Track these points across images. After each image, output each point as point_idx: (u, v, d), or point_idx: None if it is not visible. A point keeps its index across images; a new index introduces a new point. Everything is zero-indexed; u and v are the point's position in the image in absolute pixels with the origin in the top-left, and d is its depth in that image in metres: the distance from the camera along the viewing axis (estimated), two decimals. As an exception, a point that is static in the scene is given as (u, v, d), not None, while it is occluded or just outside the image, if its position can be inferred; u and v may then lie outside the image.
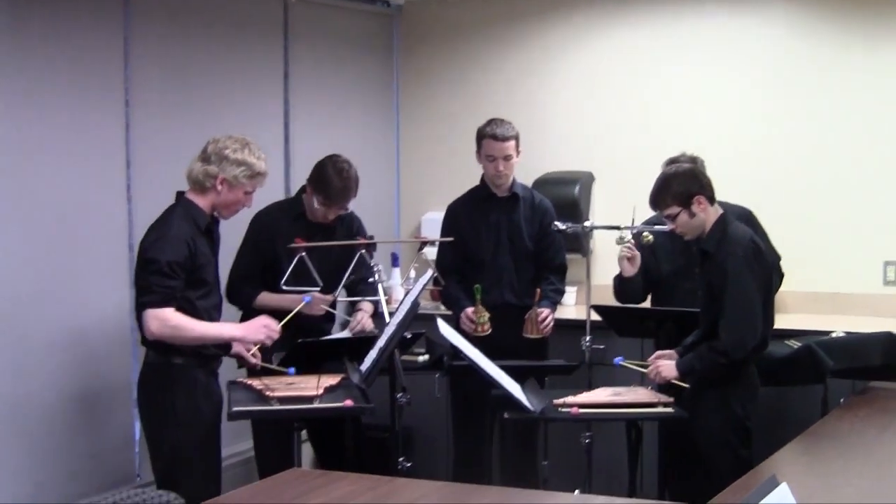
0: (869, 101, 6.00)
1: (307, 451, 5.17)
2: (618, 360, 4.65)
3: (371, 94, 6.92)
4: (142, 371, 4.31)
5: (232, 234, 4.79)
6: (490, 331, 5.22)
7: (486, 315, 5.23)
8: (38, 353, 4.83)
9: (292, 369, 4.40)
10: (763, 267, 4.34)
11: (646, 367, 4.55)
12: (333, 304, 4.96)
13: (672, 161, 5.01)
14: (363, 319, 5.02)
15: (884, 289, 5.95)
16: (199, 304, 4.25)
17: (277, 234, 4.91)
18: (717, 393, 4.30)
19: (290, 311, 4.68)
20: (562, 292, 5.52)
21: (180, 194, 4.33)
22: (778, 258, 5.25)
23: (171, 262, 4.11)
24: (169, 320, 4.11)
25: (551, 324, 5.31)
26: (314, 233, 4.94)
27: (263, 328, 4.35)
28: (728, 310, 4.23)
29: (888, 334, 4.90)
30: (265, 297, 4.93)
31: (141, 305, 4.14)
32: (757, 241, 4.37)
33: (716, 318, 4.28)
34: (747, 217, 5.08)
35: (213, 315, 4.33)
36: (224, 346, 4.38)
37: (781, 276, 5.32)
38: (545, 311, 5.29)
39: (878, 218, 5.98)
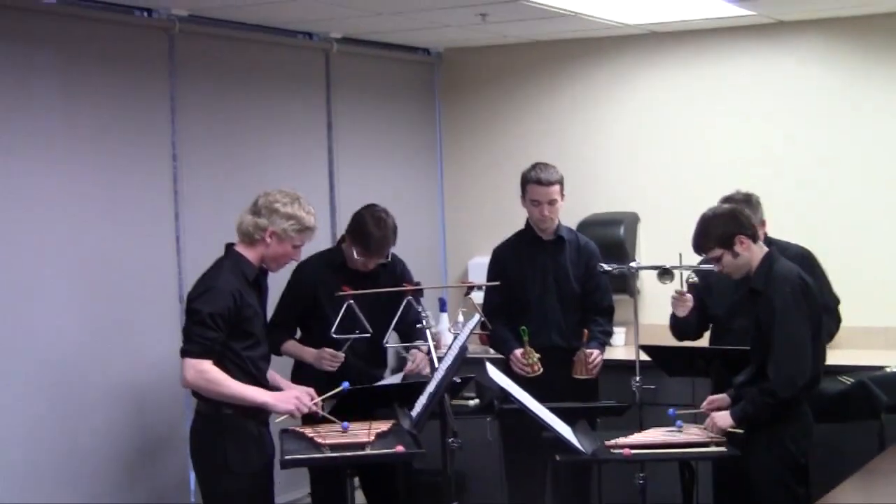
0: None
1: (360, 497, 5.18)
2: (671, 411, 4.59)
3: (414, 141, 6.98)
4: (194, 420, 4.36)
5: (276, 282, 4.82)
6: (542, 370, 5.21)
7: (536, 355, 5.23)
8: (92, 405, 4.90)
9: (347, 424, 4.36)
10: (811, 304, 4.29)
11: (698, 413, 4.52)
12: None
13: (726, 200, 4.98)
14: (419, 360, 5.04)
15: (937, 322, 5.89)
16: (245, 354, 4.29)
17: (319, 283, 4.95)
18: (770, 431, 4.25)
19: (304, 359, 4.86)
20: (610, 333, 5.52)
21: (230, 246, 4.38)
22: (837, 302, 5.16)
23: (214, 313, 4.16)
24: (206, 373, 4.17)
25: (600, 364, 5.30)
26: (357, 280, 4.95)
27: (294, 399, 4.33)
28: (776, 348, 4.19)
29: (943, 368, 4.85)
30: (289, 346, 4.99)
31: (182, 353, 4.22)
32: (805, 278, 4.33)
33: (766, 357, 4.24)
34: (805, 257, 5.03)
35: (259, 366, 4.36)
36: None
37: (839, 320, 5.19)
38: (594, 352, 5.29)
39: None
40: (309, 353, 4.95)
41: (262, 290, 4.44)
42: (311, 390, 4.43)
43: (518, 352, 5.26)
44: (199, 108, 5.48)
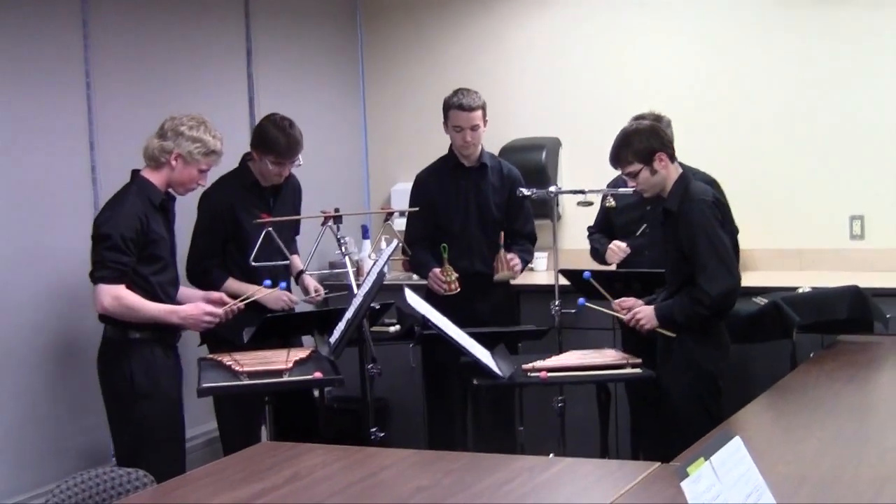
0: (831, 59, 6.02)
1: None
2: (581, 300, 4.62)
3: (336, 67, 6.91)
4: (101, 347, 4.39)
5: (181, 213, 4.79)
6: (459, 289, 5.23)
7: (454, 274, 5.24)
8: (8, 341, 4.83)
9: (269, 281, 4.49)
10: (728, 221, 4.33)
11: (612, 308, 4.54)
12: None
13: (638, 118, 5.02)
14: (313, 283, 5.13)
15: (850, 243, 5.99)
16: (153, 279, 4.34)
17: (236, 203, 4.92)
18: (687, 351, 4.30)
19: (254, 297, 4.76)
20: (531, 253, 5.55)
21: (135, 172, 4.40)
22: (736, 231, 5.23)
23: (124, 236, 4.20)
24: (122, 298, 4.22)
25: (520, 264, 5.33)
26: (267, 198, 5.00)
27: (206, 316, 4.40)
28: (705, 261, 4.19)
29: (854, 288, 4.93)
30: (232, 284, 4.93)
31: (95, 280, 4.23)
32: (719, 198, 4.37)
33: (685, 278, 4.27)
34: (710, 184, 5.07)
35: (168, 291, 4.41)
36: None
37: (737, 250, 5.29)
38: (511, 254, 5.31)
39: (843, 173, 6.01)
40: (261, 293, 4.78)
41: (168, 215, 4.46)
42: (220, 296, 4.53)
43: (437, 270, 5.27)
44: (113, 35, 5.36)
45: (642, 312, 4.40)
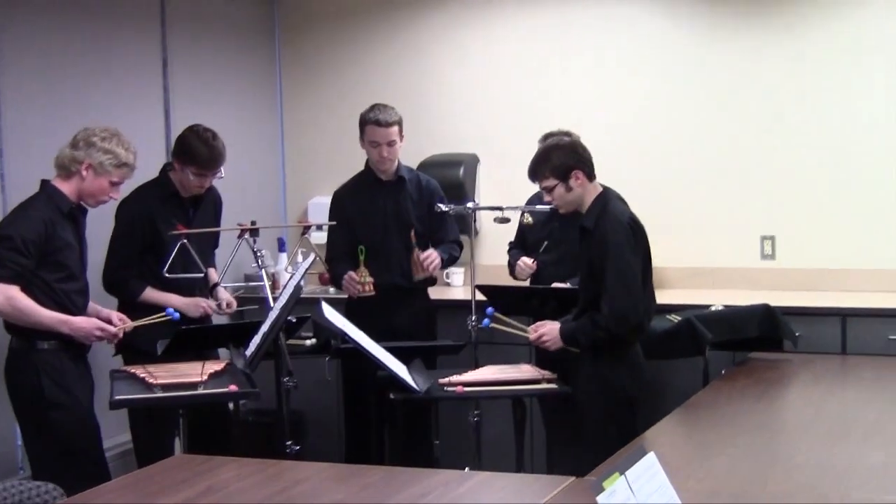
0: (742, 80, 6.13)
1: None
2: (489, 309, 4.63)
3: (253, 79, 6.87)
4: (7, 358, 4.32)
5: (96, 222, 4.74)
6: (374, 291, 5.21)
7: (369, 277, 5.21)
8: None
9: (171, 310, 4.50)
10: (642, 245, 4.36)
11: (519, 327, 4.56)
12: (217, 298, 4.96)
13: (547, 136, 5.06)
14: (226, 297, 5.09)
15: (761, 262, 6.10)
16: (58, 286, 4.30)
17: (154, 215, 4.86)
18: (599, 369, 4.32)
19: (172, 307, 4.74)
20: (456, 251, 5.54)
21: (45, 182, 4.37)
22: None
23: (25, 238, 4.18)
24: (14, 299, 4.19)
25: (437, 262, 5.33)
26: (186, 209, 4.97)
27: (97, 331, 4.36)
28: (609, 284, 4.23)
29: (765, 306, 5.04)
30: (150, 294, 4.88)
31: None
32: (636, 219, 4.38)
33: (595, 295, 4.30)
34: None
35: (74, 300, 4.37)
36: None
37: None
38: (428, 251, 5.31)
39: (755, 194, 6.12)
40: (178, 301, 4.86)
41: (78, 225, 4.42)
42: (114, 315, 4.51)
43: (351, 272, 5.25)
44: (24, 42, 5.26)
45: (548, 332, 4.43)
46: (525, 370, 4.59)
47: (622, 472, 2.25)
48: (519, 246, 5.51)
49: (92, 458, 4.28)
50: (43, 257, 4.24)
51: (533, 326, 4.51)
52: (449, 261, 5.50)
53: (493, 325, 4.63)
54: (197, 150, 4.83)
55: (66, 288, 4.33)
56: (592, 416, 4.34)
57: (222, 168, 4.93)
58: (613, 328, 4.24)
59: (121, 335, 4.43)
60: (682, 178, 6.24)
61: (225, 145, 4.93)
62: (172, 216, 4.84)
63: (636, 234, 4.33)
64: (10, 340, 4.31)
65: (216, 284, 5.11)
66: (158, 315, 4.51)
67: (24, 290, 4.22)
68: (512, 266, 5.42)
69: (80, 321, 4.34)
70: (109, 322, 4.44)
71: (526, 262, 5.28)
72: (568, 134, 5.09)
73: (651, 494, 2.30)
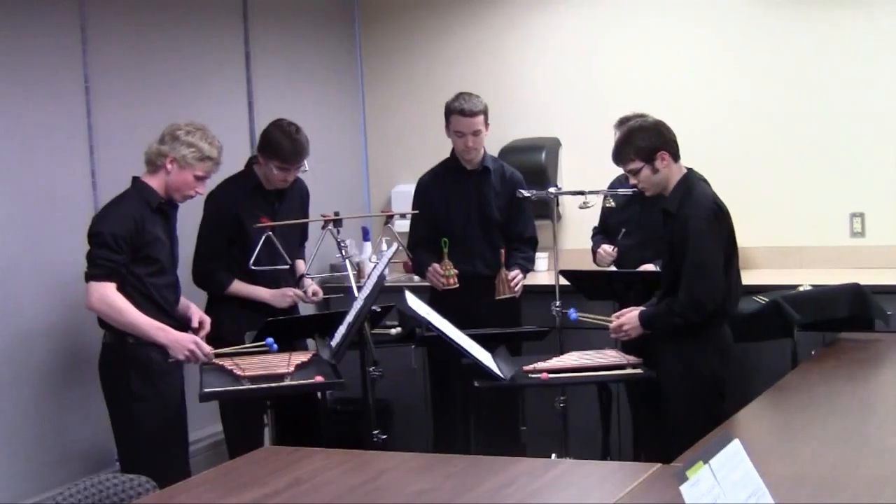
0: (829, 57, 6.02)
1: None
2: (572, 312, 4.64)
3: (334, 69, 6.92)
4: (101, 353, 4.42)
5: (187, 218, 4.82)
6: (457, 284, 5.24)
7: (454, 270, 5.24)
8: (10, 347, 4.83)
9: (270, 340, 4.41)
10: (725, 228, 4.30)
11: (602, 320, 4.54)
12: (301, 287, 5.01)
13: (623, 120, 5.00)
14: (312, 286, 5.12)
15: (850, 240, 5.99)
16: (148, 281, 4.36)
17: (239, 208, 4.93)
18: (686, 354, 4.28)
19: (259, 298, 4.88)
20: (532, 260, 5.55)
21: (135, 178, 4.44)
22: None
23: (115, 234, 4.23)
24: (108, 298, 4.25)
25: (521, 283, 5.33)
26: (271, 202, 5.01)
27: (191, 346, 4.34)
28: (687, 271, 4.19)
29: (854, 286, 4.94)
30: (238, 286, 4.97)
31: (86, 277, 4.28)
32: (720, 203, 4.31)
33: (676, 279, 4.26)
34: None
35: (165, 295, 4.41)
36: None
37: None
38: (514, 271, 5.31)
39: (843, 170, 6.02)
40: (266, 293, 4.96)
41: (168, 219, 4.47)
42: (199, 342, 4.43)
43: (436, 265, 5.27)
44: (111, 39, 5.36)
45: (627, 320, 4.40)
46: (610, 355, 4.57)
47: (706, 461, 2.22)
48: (602, 231, 5.48)
49: (176, 452, 4.34)
50: (134, 252, 4.30)
51: (614, 316, 4.48)
52: (526, 275, 5.49)
53: (580, 316, 4.63)
54: (280, 143, 4.88)
55: (157, 282, 4.38)
56: (679, 400, 4.31)
57: (306, 162, 4.97)
58: (689, 315, 4.21)
59: (212, 357, 4.39)
60: (768, 156, 6.14)
61: (308, 139, 4.97)
62: (257, 209, 4.90)
63: (719, 218, 4.27)
64: (103, 335, 4.39)
65: (303, 275, 5.16)
66: (258, 344, 4.45)
67: (120, 289, 4.27)
68: (594, 252, 5.39)
69: (177, 333, 4.35)
70: (198, 327, 4.51)
71: (606, 250, 5.25)
72: (643, 116, 5.02)
73: (736, 483, 2.27)
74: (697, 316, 4.21)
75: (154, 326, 4.32)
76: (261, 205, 4.97)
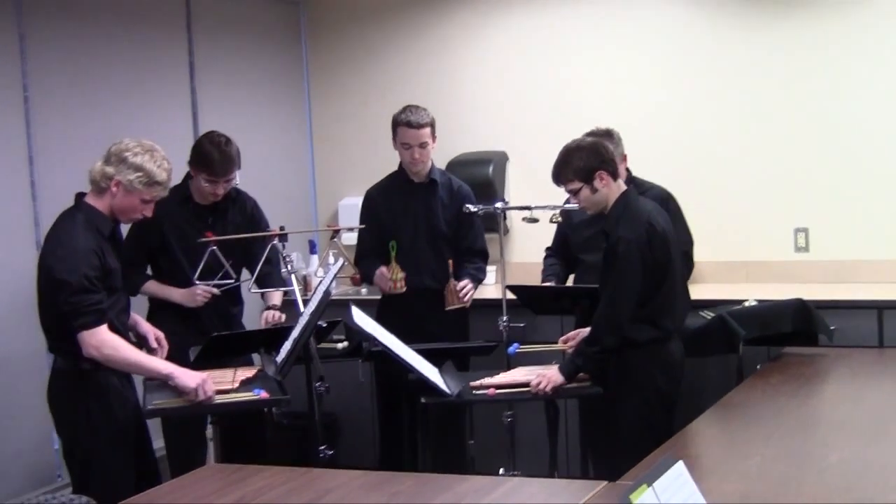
0: (774, 71, 6.07)
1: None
2: (512, 348, 4.60)
3: (281, 82, 6.88)
4: (51, 378, 4.18)
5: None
6: (405, 288, 5.22)
7: (401, 273, 5.22)
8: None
9: (258, 390, 4.19)
10: (657, 249, 4.27)
11: (548, 349, 4.54)
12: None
13: (589, 134, 5.01)
14: (276, 316, 5.02)
15: (794, 255, 6.04)
16: (111, 311, 4.13)
17: (164, 217, 4.77)
18: (633, 368, 4.29)
19: (171, 298, 4.85)
20: (483, 271, 5.52)
21: (79, 198, 4.19)
22: (691, 244, 5.21)
23: (88, 276, 3.97)
24: (105, 343, 3.99)
25: (471, 293, 5.32)
26: (204, 216, 4.96)
27: (200, 384, 4.07)
28: (606, 295, 4.25)
29: (798, 301, 4.97)
30: (151, 287, 4.96)
31: (75, 329, 3.97)
32: (654, 224, 4.30)
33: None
34: (666, 199, 5.08)
35: (122, 319, 4.22)
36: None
37: (691, 263, 5.24)
38: (464, 281, 5.30)
39: (788, 186, 6.06)
40: (176, 293, 4.92)
41: (117, 242, 4.31)
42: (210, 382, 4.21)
43: (383, 268, 5.25)
44: (52, 47, 5.30)
45: (546, 376, 4.33)
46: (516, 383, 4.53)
47: (650, 484, 2.22)
48: (559, 252, 5.43)
49: (125, 474, 4.16)
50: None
51: (534, 381, 4.37)
52: (477, 286, 5.47)
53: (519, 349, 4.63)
54: (209, 155, 4.83)
55: (115, 308, 4.17)
56: (627, 416, 4.32)
57: (237, 174, 4.92)
58: (605, 339, 4.23)
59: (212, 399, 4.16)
60: (713, 172, 6.18)
61: (239, 151, 4.91)
62: (185, 222, 4.87)
63: (651, 239, 4.27)
64: (53, 360, 4.20)
65: (272, 306, 5.08)
66: (246, 393, 4.21)
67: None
68: (547, 276, 5.35)
69: (186, 375, 4.09)
70: (145, 339, 4.39)
71: None
72: (608, 132, 5.03)
73: (681, 504, 2.28)
74: (612, 338, 4.24)
75: (158, 363, 4.16)
76: (189, 218, 4.92)
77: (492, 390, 4.35)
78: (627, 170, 5.10)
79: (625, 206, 4.32)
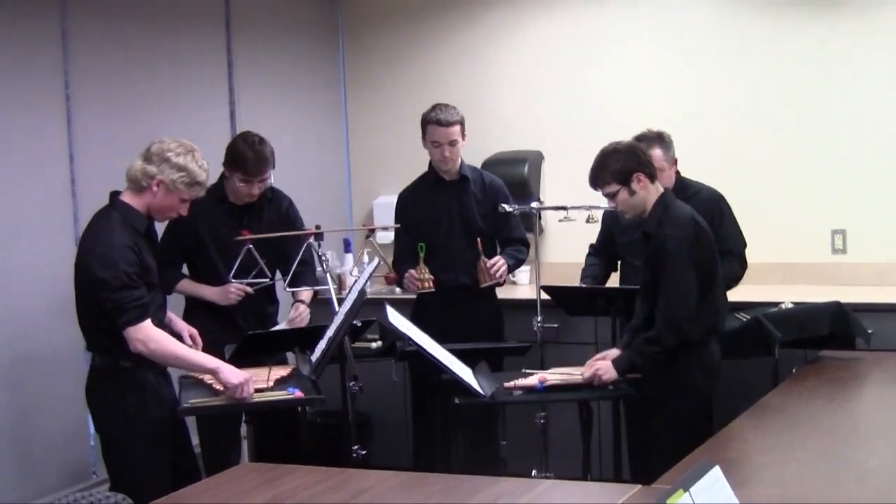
0: (813, 71, 6.03)
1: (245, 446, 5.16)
2: (540, 385, 4.41)
3: (317, 81, 6.90)
4: (89, 375, 4.21)
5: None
6: (433, 288, 5.22)
7: (428, 273, 5.22)
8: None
9: (293, 389, 4.20)
10: (704, 248, 4.29)
11: (573, 376, 4.44)
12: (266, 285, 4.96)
13: (639, 138, 4.97)
14: (301, 313, 5.03)
15: (832, 257, 6.00)
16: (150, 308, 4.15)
17: (198, 217, 4.81)
18: (673, 369, 4.27)
19: (204, 297, 4.89)
20: (523, 252, 5.49)
21: (114, 195, 4.20)
22: (744, 245, 5.17)
23: (127, 272, 3.98)
24: (150, 339, 4.01)
25: (504, 269, 5.29)
26: (240, 216, 4.98)
27: (243, 382, 4.07)
28: (663, 294, 4.20)
29: (835, 304, 4.94)
30: (185, 285, 5.00)
31: (120, 327, 3.98)
32: (699, 221, 4.32)
33: (654, 301, 4.26)
34: (717, 200, 5.08)
35: (159, 316, 4.26)
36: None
37: (744, 264, 5.18)
38: (495, 258, 5.28)
39: (825, 187, 6.02)
40: (210, 291, 4.95)
41: (152, 240, 4.33)
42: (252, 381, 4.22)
43: (411, 270, 5.26)
44: (92, 46, 5.34)
45: (602, 366, 4.33)
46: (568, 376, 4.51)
47: (686, 489, 2.21)
48: (601, 251, 5.38)
49: (161, 471, 4.20)
50: None
51: (587, 364, 4.40)
52: (515, 265, 5.46)
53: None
54: (243, 155, 4.85)
55: (153, 305, 4.17)
56: (667, 417, 4.30)
57: (272, 174, 4.93)
58: (666, 337, 4.20)
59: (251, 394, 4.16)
60: (751, 172, 6.14)
61: (273, 150, 4.93)
62: (220, 222, 4.90)
63: (699, 236, 4.28)
64: (91, 357, 4.22)
65: (299, 301, 5.09)
66: (280, 392, 4.22)
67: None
68: (586, 277, 5.31)
69: (231, 372, 4.10)
70: (180, 337, 4.40)
71: None
72: (660, 134, 5.00)
73: (717, 509, 2.27)
74: (674, 338, 4.21)
75: (203, 357, 4.18)
76: (224, 218, 4.94)
77: (543, 377, 4.35)
78: (677, 172, 5.07)
79: (665, 207, 4.31)
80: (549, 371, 4.60)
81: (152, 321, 4.12)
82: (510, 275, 5.55)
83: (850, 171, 5.97)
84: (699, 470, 2.26)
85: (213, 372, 4.12)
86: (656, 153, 4.83)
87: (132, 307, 3.99)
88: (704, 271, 4.28)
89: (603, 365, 4.34)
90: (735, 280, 5.05)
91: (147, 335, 4.01)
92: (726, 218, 5.06)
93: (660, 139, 4.96)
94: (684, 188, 5.00)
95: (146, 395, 4.14)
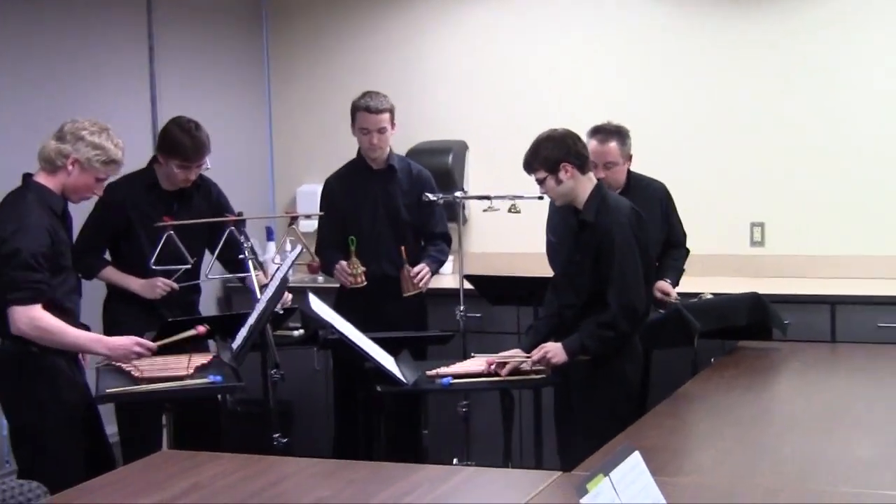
0: (733, 65, 6.12)
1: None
2: (446, 380, 4.36)
3: (241, 66, 6.83)
4: None
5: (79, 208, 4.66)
6: (365, 282, 5.19)
7: (361, 267, 5.19)
8: None
9: (214, 377, 4.14)
10: (645, 236, 4.34)
11: (518, 358, 4.43)
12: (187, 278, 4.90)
13: (597, 130, 4.97)
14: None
15: (751, 249, 6.10)
16: (58, 288, 4.12)
17: (130, 204, 4.81)
18: (609, 362, 4.29)
19: (129, 287, 4.82)
20: (445, 253, 5.51)
21: (27, 177, 4.15)
22: (685, 236, 5.29)
23: (35, 253, 3.96)
24: (38, 321, 3.99)
25: (427, 278, 5.30)
26: (169, 202, 4.91)
27: (135, 349, 4.16)
28: (616, 280, 4.20)
29: (753, 295, 5.01)
30: (109, 273, 4.91)
31: (8, 302, 3.97)
32: (637, 211, 4.36)
33: (597, 288, 4.27)
34: (667, 193, 5.17)
35: (72, 299, 4.21)
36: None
37: (687, 253, 5.32)
38: (419, 266, 5.28)
39: (745, 180, 6.11)
40: (135, 283, 4.88)
41: (67, 222, 4.28)
42: (141, 340, 4.27)
43: (343, 263, 5.23)
44: (9, 27, 5.24)
45: (551, 349, 4.32)
46: (514, 357, 4.51)
47: (606, 474, 2.22)
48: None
49: (74, 459, 4.14)
50: (49, 266, 4.06)
51: (534, 351, 4.37)
52: (438, 268, 5.46)
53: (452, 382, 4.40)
54: (180, 141, 4.79)
55: (64, 288, 4.16)
56: (594, 407, 4.31)
57: (207, 159, 4.89)
58: (621, 324, 4.21)
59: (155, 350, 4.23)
60: (671, 165, 6.16)
61: (209, 136, 4.88)
62: (150, 208, 4.82)
63: (640, 225, 4.32)
64: (0, 343, 4.12)
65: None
66: (200, 379, 4.14)
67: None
68: None
69: (117, 340, 4.16)
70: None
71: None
72: (618, 129, 5.00)
73: (636, 495, 2.28)
74: (629, 324, 4.23)
75: (91, 339, 4.17)
76: (155, 204, 4.87)
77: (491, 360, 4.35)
78: (628, 168, 5.09)
79: (603, 197, 4.34)
80: (498, 355, 4.54)
81: (64, 304, 4.10)
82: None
83: (769, 165, 6.07)
84: (619, 455, 2.28)
85: (102, 355, 4.14)
86: (611, 147, 4.90)
87: (28, 287, 3.97)
88: (644, 260, 4.32)
89: (553, 347, 4.33)
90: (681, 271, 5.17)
91: (34, 317, 3.99)
92: (672, 207, 5.17)
93: (617, 133, 4.98)
94: (637, 181, 5.06)
95: (59, 381, 4.09)
